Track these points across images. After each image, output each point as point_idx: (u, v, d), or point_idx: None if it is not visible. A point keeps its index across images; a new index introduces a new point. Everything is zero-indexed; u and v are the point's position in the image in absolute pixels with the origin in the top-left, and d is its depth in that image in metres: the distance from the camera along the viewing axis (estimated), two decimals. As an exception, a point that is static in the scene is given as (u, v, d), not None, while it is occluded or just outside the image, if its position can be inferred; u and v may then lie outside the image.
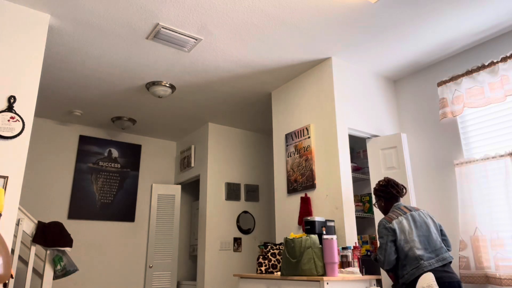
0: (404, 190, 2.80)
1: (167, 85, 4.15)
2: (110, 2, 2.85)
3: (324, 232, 2.98)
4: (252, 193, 5.45)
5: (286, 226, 3.80)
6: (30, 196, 4.83)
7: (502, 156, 3.08)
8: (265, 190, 5.62)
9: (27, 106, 2.76)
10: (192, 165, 5.51)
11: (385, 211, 2.82)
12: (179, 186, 5.77)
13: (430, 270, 2.41)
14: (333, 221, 3.20)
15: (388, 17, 3.08)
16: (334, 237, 2.66)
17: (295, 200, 3.73)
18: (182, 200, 6.07)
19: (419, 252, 2.47)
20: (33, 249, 3.34)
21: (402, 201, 2.87)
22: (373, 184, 3.68)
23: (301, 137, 3.80)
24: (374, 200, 3.10)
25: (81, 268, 4.95)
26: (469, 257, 3.13)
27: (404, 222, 2.58)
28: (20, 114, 2.71)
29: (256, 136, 5.78)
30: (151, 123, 5.37)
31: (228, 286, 4.88)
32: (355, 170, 3.99)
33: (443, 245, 2.55)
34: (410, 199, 3.44)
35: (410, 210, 2.66)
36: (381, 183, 2.84)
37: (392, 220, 2.58)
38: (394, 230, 2.53)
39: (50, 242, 3.33)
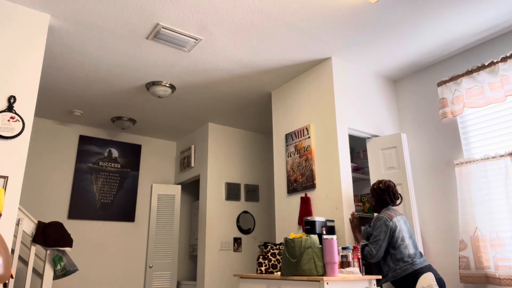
0: (399, 200, 3.06)
1: (167, 85, 4.15)
2: (110, 2, 2.85)
3: (324, 232, 2.99)
4: (252, 193, 5.45)
5: (286, 226, 3.80)
6: (30, 196, 4.83)
7: (502, 156, 3.08)
8: (265, 190, 5.62)
9: (27, 106, 2.76)
10: (192, 165, 5.51)
11: (373, 209, 3.10)
12: (179, 186, 5.77)
13: (423, 267, 2.70)
14: (333, 221, 3.20)
15: (388, 17, 3.08)
16: (334, 237, 2.66)
17: (295, 200, 3.73)
18: (182, 200, 6.07)
19: (411, 251, 2.77)
20: (33, 249, 3.34)
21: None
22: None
23: (301, 137, 3.80)
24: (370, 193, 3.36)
25: (81, 268, 4.95)
26: (469, 257, 3.13)
27: (401, 221, 2.88)
28: (20, 114, 2.71)
29: (256, 136, 5.78)
30: (151, 123, 5.37)
31: (228, 286, 4.88)
32: (355, 170, 3.99)
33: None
34: (410, 199, 3.43)
35: (400, 214, 2.96)
36: (381, 186, 3.03)
37: (392, 218, 2.83)
38: (395, 228, 2.80)
39: (50, 242, 3.33)
